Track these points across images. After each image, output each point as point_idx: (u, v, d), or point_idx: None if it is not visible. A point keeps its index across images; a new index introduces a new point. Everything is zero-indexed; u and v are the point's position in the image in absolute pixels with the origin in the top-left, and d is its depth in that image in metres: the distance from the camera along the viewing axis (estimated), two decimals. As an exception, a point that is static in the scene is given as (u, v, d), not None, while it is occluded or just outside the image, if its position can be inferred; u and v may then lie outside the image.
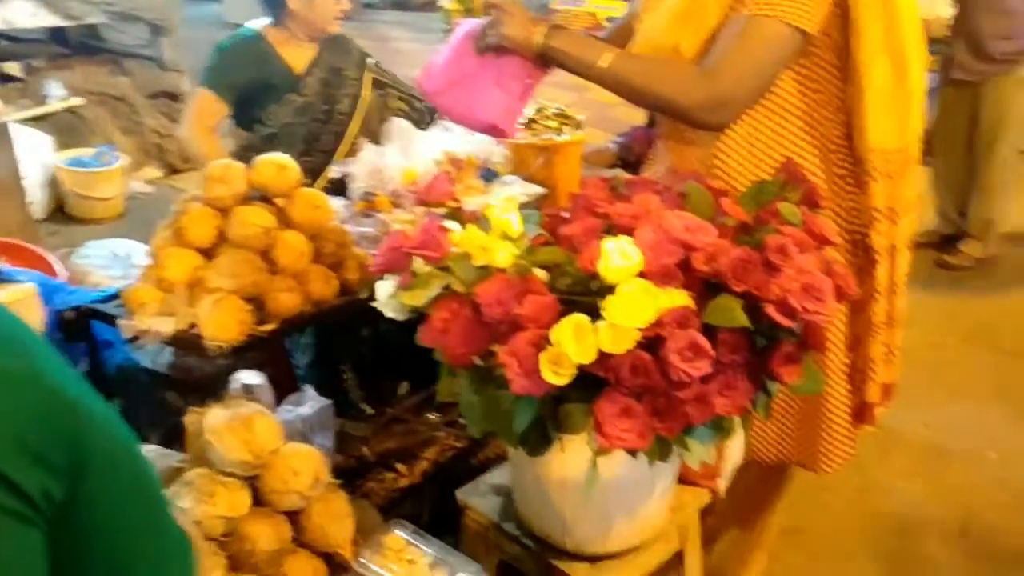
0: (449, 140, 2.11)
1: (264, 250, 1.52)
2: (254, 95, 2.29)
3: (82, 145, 4.31)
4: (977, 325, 3.31)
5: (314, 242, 1.58)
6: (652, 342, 0.96)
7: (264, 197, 1.57)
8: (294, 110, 2.30)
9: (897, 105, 1.32)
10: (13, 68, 4.58)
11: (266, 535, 1.16)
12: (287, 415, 1.32)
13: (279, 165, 1.55)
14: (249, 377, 1.29)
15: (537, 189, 2.01)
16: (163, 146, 4.75)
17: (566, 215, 1.18)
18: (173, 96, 5.07)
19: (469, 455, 1.94)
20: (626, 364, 0.95)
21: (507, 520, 1.37)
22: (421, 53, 7.16)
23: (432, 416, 2.05)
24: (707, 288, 1.01)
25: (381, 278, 1.16)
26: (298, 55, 2.33)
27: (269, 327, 1.49)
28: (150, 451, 1.31)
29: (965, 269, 3.80)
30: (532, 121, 2.30)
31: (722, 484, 1.47)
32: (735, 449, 1.46)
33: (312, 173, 2.25)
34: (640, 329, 0.95)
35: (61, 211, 4.17)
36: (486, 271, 1.06)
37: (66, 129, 4.39)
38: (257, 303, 1.48)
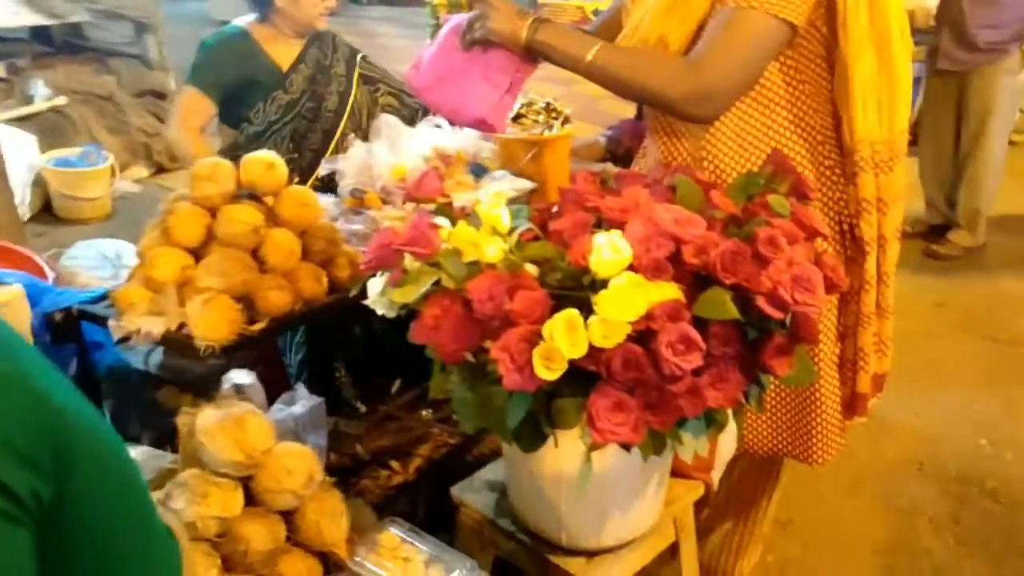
0: (438, 136, 2.11)
1: (253, 249, 1.51)
2: (241, 93, 2.28)
3: (67, 145, 4.28)
4: (967, 314, 3.33)
5: (304, 240, 1.58)
6: (643, 336, 0.96)
7: (252, 195, 1.56)
8: (281, 107, 2.28)
9: (883, 96, 1.32)
10: (-3, 68, 4.55)
11: (260, 535, 1.15)
12: (279, 414, 1.32)
13: (267, 163, 1.54)
14: (240, 377, 1.28)
15: (526, 184, 2.01)
16: (150, 145, 4.72)
17: (556, 210, 1.17)
18: (159, 95, 5.04)
19: (463, 451, 1.94)
20: (618, 358, 0.95)
21: (502, 516, 1.37)
22: (409, 48, 7.14)
23: (425, 413, 2.05)
24: (697, 281, 1.01)
25: (372, 275, 1.15)
26: (284, 52, 2.31)
27: (259, 326, 1.48)
28: (142, 452, 1.31)
29: (954, 258, 3.83)
30: (520, 116, 2.30)
31: (715, 476, 1.48)
32: (728, 441, 1.46)
33: (301, 171, 2.24)
34: (631, 323, 0.95)
35: (48, 212, 4.14)
36: (476, 267, 1.05)
37: (51, 129, 4.36)
38: (247, 302, 1.47)
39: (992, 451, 2.47)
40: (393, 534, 1.29)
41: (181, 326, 1.44)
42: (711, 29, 1.26)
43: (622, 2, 1.48)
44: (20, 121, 4.24)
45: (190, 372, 1.73)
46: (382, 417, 2.05)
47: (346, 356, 2.14)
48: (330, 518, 1.22)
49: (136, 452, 1.29)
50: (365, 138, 2.13)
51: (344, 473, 1.78)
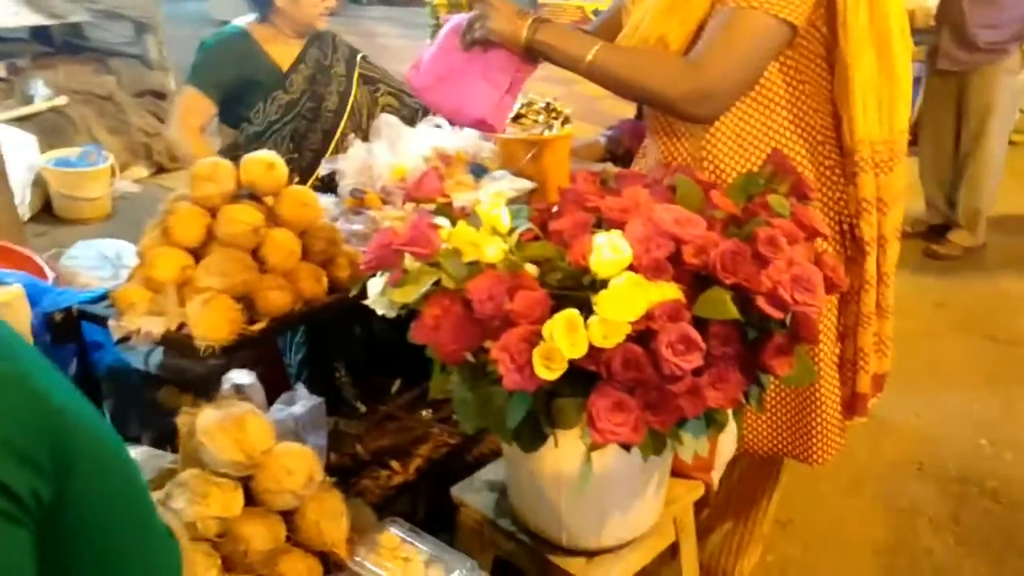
0: (438, 136, 2.11)
1: (253, 249, 1.51)
2: (241, 93, 2.28)
3: (67, 145, 4.28)
4: (967, 314, 3.33)
5: (304, 240, 1.58)
6: (643, 335, 0.96)
7: (252, 195, 1.56)
8: (281, 107, 2.28)
9: (883, 96, 1.32)
10: (-3, 68, 4.55)
11: (260, 535, 1.15)
12: (279, 414, 1.32)
13: (267, 163, 1.54)
14: (240, 377, 1.28)
15: (526, 184, 2.01)
16: (150, 145, 4.73)
17: (556, 210, 1.17)
18: (159, 95, 5.04)
19: (463, 451, 1.94)
20: (618, 358, 0.95)
21: (502, 516, 1.37)
22: (409, 48, 7.14)
23: (425, 413, 2.05)
24: (697, 281, 1.01)
25: (372, 276, 1.15)
26: (284, 52, 2.31)
27: (259, 326, 1.48)
28: (142, 452, 1.31)
29: (954, 258, 3.83)
30: (520, 116, 2.30)
31: (715, 476, 1.48)
32: (728, 441, 1.46)
33: (301, 171, 2.24)
34: (631, 323, 0.95)
35: (48, 212, 4.14)
36: (476, 267, 1.05)
37: (51, 129, 4.36)
38: (247, 302, 1.47)
39: (992, 451, 2.47)
40: (393, 534, 1.29)
41: (181, 326, 1.44)
42: (711, 29, 1.26)
43: (622, 2, 1.48)
44: (20, 121, 4.24)
45: (190, 372, 1.73)
46: (382, 417, 2.05)
47: (346, 356, 2.14)
48: (330, 518, 1.22)
49: (136, 452, 1.29)
50: (365, 138, 2.13)
51: (344, 473, 1.78)
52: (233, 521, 1.14)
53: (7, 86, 4.51)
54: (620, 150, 2.32)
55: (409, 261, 1.09)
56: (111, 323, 1.48)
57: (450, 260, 1.06)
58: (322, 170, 2.08)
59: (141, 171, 4.70)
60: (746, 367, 1.03)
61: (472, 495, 1.42)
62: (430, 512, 1.78)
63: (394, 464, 1.89)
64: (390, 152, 2.01)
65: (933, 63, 3.76)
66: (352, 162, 2.00)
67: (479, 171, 2.07)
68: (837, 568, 2.04)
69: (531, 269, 1.05)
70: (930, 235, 3.97)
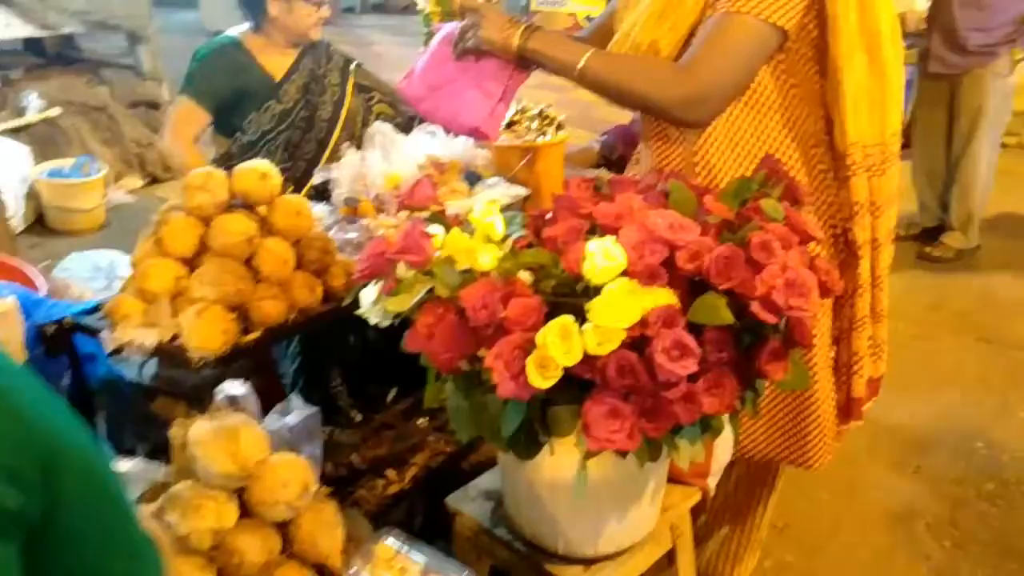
0: (432, 144, 2.11)
1: (247, 258, 1.50)
2: (234, 103, 2.28)
3: (61, 156, 4.27)
4: (961, 316, 3.34)
5: (298, 249, 1.57)
6: (638, 342, 0.96)
7: (246, 205, 1.56)
8: (274, 117, 2.28)
9: (875, 99, 1.32)
10: (-11, 79, 4.54)
11: (255, 547, 1.15)
12: (273, 425, 1.31)
13: (260, 173, 1.54)
14: (234, 388, 1.28)
15: (520, 191, 2.01)
16: (144, 156, 4.71)
17: (550, 216, 1.17)
18: (153, 105, 5.04)
19: (460, 459, 1.93)
20: (612, 365, 0.95)
21: (498, 525, 1.36)
22: (403, 56, 7.15)
23: (421, 421, 2.05)
24: (692, 286, 1.01)
25: (365, 285, 1.15)
26: (278, 62, 2.31)
27: (253, 336, 1.48)
28: (135, 465, 1.30)
29: (947, 261, 3.84)
30: (514, 122, 2.30)
31: (712, 482, 1.47)
32: (724, 447, 1.46)
33: (295, 180, 2.24)
34: (625, 329, 0.95)
35: (41, 223, 4.13)
36: (470, 275, 1.05)
37: (44, 140, 4.34)
38: (241, 312, 1.47)
39: (988, 453, 2.47)
40: (389, 544, 1.29)
41: (175, 337, 1.43)
42: (702, 34, 1.26)
43: (614, 8, 1.48)
44: (13, 133, 4.23)
45: (185, 383, 1.73)
46: (378, 426, 2.04)
47: (341, 365, 2.13)
48: (325, 529, 1.21)
49: (130, 464, 1.28)
50: (359, 146, 2.13)
51: (340, 483, 1.78)
52: (227, 533, 1.13)
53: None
54: (614, 156, 2.32)
55: (402, 269, 1.09)
56: (104, 335, 1.48)
57: (443, 268, 1.06)
58: (316, 179, 2.08)
59: (135, 181, 4.69)
60: (741, 372, 1.03)
61: (468, 504, 1.42)
62: (427, 520, 1.77)
63: (390, 473, 1.88)
64: (384, 160, 2.01)
65: (924, 66, 3.78)
66: (346, 170, 1.99)
67: (473, 178, 2.07)
68: (834, 572, 2.04)
69: (525, 276, 1.05)
70: (923, 238, 3.98)
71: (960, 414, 2.67)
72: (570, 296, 1.00)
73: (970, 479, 2.36)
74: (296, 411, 1.35)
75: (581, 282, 1.00)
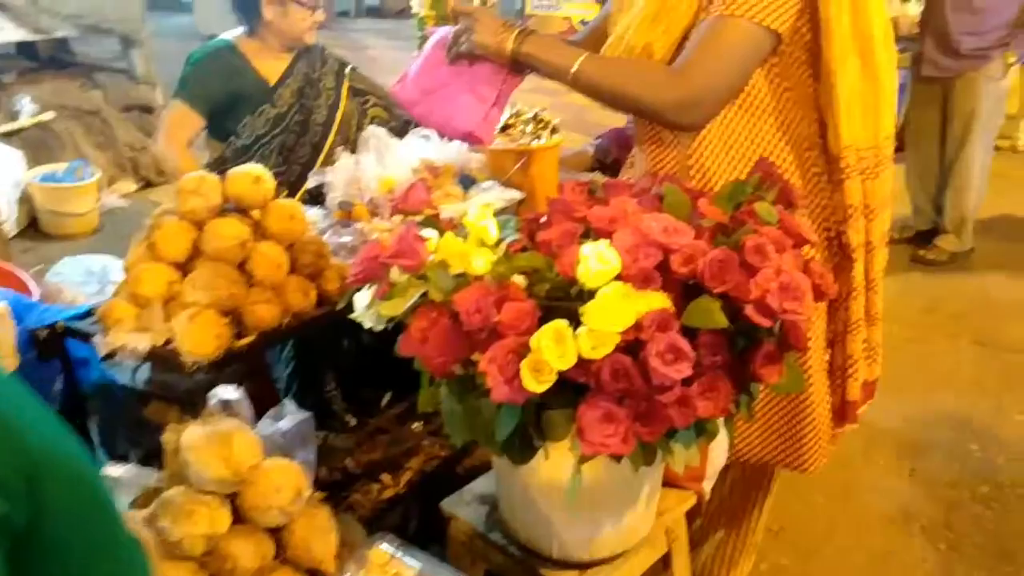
0: (426, 147, 2.11)
1: (240, 262, 1.50)
2: (228, 107, 2.27)
3: (54, 160, 4.26)
4: (956, 319, 3.35)
5: (291, 253, 1.57)
6: (632, 346, 0.95)
7: (239, 209, 1.55)
8: (268, 121, 2.28)
9: (868, 103, 1.32)
10: (-18, 84, 4.52)
11: (248, 552, 1.14)
12: (267, 430, 1.30)
13: (253, 176, 1.54)
14: (227, 393, 1.27)
15: (515, 194, 2.01)
16: (137, 160, 4.70)
17: (544, 220, 1.17)
18: (146, 109, 5.03)
19: (454, 463, 1.93)
20: (607, 369, 0.94)
21: (493, 530, 1.36)
22: (398, 60, 7.15)
23: (416, 425, 2.04)
24: (686, 290, 1.01)
25: (359, 289, 1.15)
26: (272, 66, 2.31)
27: (247, 341, 1.47)
28: (128, 470, 1.29)
29: (942, 263, 3.85)
30: (508, 126, 2.30)
31: (707, 486, 1.47)
32: (719, 450, 1.46)
33: (290, 184, 2.24)
34: (620, 333, 0.94)
35: (34, 228, 4.11)
36: (464, 279, 1.05)
37: (37, 145, 4.33)
38: (235, 316, 1.46)
39: (983, 456, 2.48)
40: (383, 550, 1.28)
41: (168, 342, 1.42)
42: (696, 38, 1.26)
43: (609, 12, 1.48)
44: (6, 137, 4.22)
45: (178, 388, 1.72)
46: (373, 430, 2.04)
47: (336, 369, 2.12)
48: (319, 534, 1.21)
49: (122, 470, 1.28)
50: (353, 150, 2.13)
51: (335, 487, 1.77)
52: (220, 539, 1.12)
53: (-7, 102, 4.49)
54: (608, 159, 2.32)
55: (396, 274, 1.08)
56: (97, 339, 1.47)
57: (437, 272, 1.05)
58: (310, 183, 2.07)
59: (128, 186, 4.67)
60: (736, 376, 1.03)
61: (462, 509, 1.41)
62: (422, 525, 1.77)
63: (385, 478, 1.88)
64: (378, 164, 2.01)
65: (918, 70, 3.80)
66: (340, 174, 1.99)
67: (468, 182, 2.07)
68: (830, 576, 2.04)
69: (519, 280, 1.04)
70: (918, 241, 3.99)
71: (955, 417, 2.68)
72: (564, 300, 1.00)
73: (965, 482, 2.36)
74: (289, 416, 1.34)
75: (575, 286, 1.00)
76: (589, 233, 1.08)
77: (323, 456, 1.72)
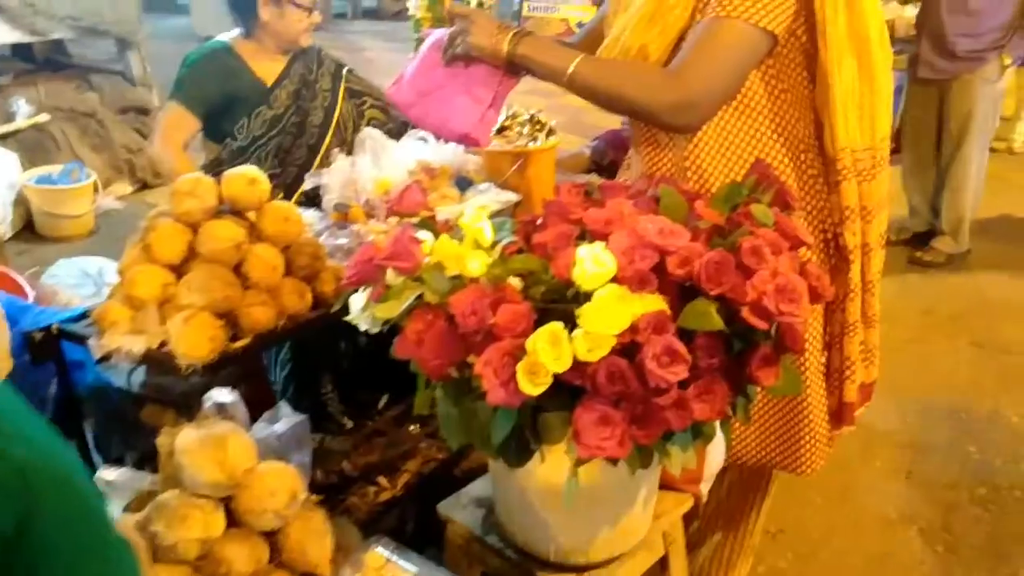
0: (423, 149, 2.10)
1: (236, 265, 1.49)
2: (224, 108, 2.26)
3: (50, 162, 4.25)
4: (953, 320, 3.35)
5: (287, 255, 1.56)
6: (628, 348, 0.95)
7: (234, 211, 1.55)
8: (265, 123, 2.27)
9: (864, 104, 1.32)
10: (-23, 86, 4.51)
11: (242, 557, 1.13)
12: (261, 432, 1.30)
13: (249, 178, 1.53)
14: (222, 395, 1.27)
15: (511, 196, 2.01)
16: (133, 162, 4.69)
17: (540, 222, 1.17)
18: (142, 111, 5.02)
19: (451, 466, 1.92)
20: (603, 371, 0.94)
21: (490, 533, 1.35)
22: (395, 62, 7.15)
23: (413, 428, 2.04)
24: (682, 292, 1.01)
25: (354, 291, 1.14)
26: (269, 67, 2.30)
27: (242, 343, 1.46)
28: (122, 474, 1.28)
29: (939, 265, 3.85)
30: (505, 128, 2.30)
31: (704, 488, 1.47)
32: (716, 453, 1.46)
33: (286, 186, 2.23)
34: (616, 335, 0.94)
35: (30, 230, 4.10)
36: (459, 281, 1.04)
37: (33, 147, 4.32)
38: (230, 319, 1.46)
39: (981, 458, 2.48)
40: (379, 553, 1.28)
41: (163, 344, 1.42)
42: (692, 39, 1.26)
43: (605, 13, 1.48)
44: (1, 139, 4.21)
45: (174, 390, 1.71)
46: (369, 433, 2.03)
47: (332, 372, 2.12)
48: (314, 538, 1.20)
49: (116, 474, 1.27)
50: (350, 152, 2.12)
51: (331, 490, 1.76)
52: (214, 543, 1.12)
53: (-12, 104, 4.47)
54: (605, 161, 2.32)
55: (391, 276, 1.08)
56: (91, 342, 1.46)
57: (433, 274, 1.05)
58: (306, 184, 2.07)
59: (124, 188, 4.67)
60: (732, 378, 1.02)
61: (459, 511, 1.41)
62: (419, 527, 1.76)
63: (382, 480, 1.87)
64: (374, 166, 2.01)
65: (914, 72, 3.80)
66: (336, 176, 1.99)
67: (464, 184, 2.06)
68: (828, 578, 2.03)
69: (515, 282, 1.04)
70: (914, 242, 3.99)
71: (953, 418, 2.67)
72: (560, 302, 1.00)
73: (963, 484, 2.36)
74: (284, 419, 1.34)
75: (571, 288, 0.99)
76: (585, 235, 1.08)
77: (320, 459, 1.72)
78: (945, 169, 3.83)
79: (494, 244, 1.09)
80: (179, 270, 1.49)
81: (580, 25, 6.14)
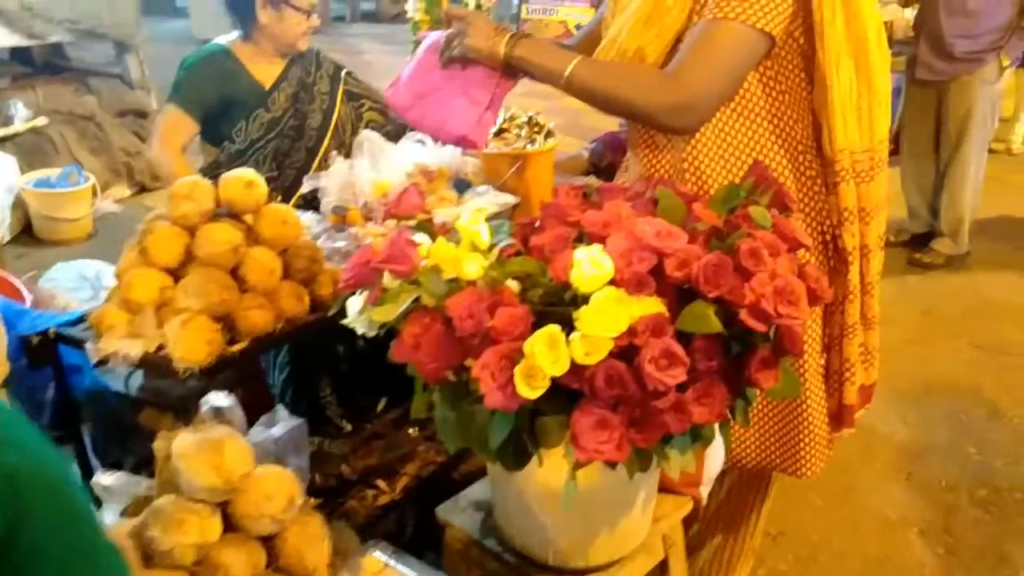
0: (421, 152, 2.10)
1: (233, 268, 1.49)
2: (223, 111, 2.26)
3: (48, 166, 4.25)
4: (952, 322, 3.34)
5: (285, 258, 1.56)
6: (626, 351, 0.95)
7: (231, 214, 1.54)
8: (263, 126, 2.27)
9: (862, 105, 1.32)
10: (-25, 90, 4.51)
11: (239, 562, 1.13)
12: (258, 437, 1.29)
13: (246, 181, 1.53)
14: (219, 399, 1.26)
15: (509, 198, 2.00)
16: (132, 165, 4.69)
17: (537, 224, 1.16)
18: (141, 114, 5.02)
19: (450, 469, 1.92)
20: (601, 374, 0.93)
21: (488, 536, 1.35)
22: (392, 65, 7.15)
23: (411, 431, 2.03)
24: (680, 295, 1.00)
25: (351, 294, 1.14)
26: (267, 71, 2.30)
27: (240, 346, 1.46)
28: (118, 478, 1.28)
29: (938, 267, 3.85)
30: (503, 130, 2.30)
31: (704, 491, 1.46)
32: (716, 456, 1.45)
33: (284, 189, 2.23)
34: (614, 338, 0.94)
35: (28, 233, 4.10)
36: (456, 284, 1.04)
37: (31, 150, 4.32)
38: (227, 322, 1.45)
39: (981, 459, 2.47)
40: (377, 558, 1.27)
41: (160, 348, 1.41)
42: (689, 41, 1.26)
43: (603, 15, 1.48)
44: (0, 142, 4.21)
45: (171, 394, 1.71)
46: (368, 436, 2.03)
47: (330, 375, 2.11)
48: (311, 543, 1.19)
49: (112, 478, 1.26)
50: (348, 155, 2.12)
51: (330, 493, 1.76)
52: (211, 548, 1.11)
53: (-14, 107, 4.47)
54: (603, 163, 2.32)
55: (388, 279, 1.07)
56: (89, 346, 1.46)
57: (429, 277, 1.04)
58: (304, 187, 2.07)
59: (123, 191, 4.66)
60: (731, 381, 1.02)
61: (458, 515, 1.40)
62: (417, 531, 1.76)
63: (380, 483, 1.87)
64: (372, 168, 2.00)
65: (912, 73, 3.81)
66: (334, 179, 1.98)
67: (462, 186, 2.06)
68: (828, 580, 2.03)
69: (512, 285, 1.03)
70: (914, 244, 3.99)
71: (953, 420, 2.67)
72: (557, 305, 0.99)
73: (963, 485, 2.35)
74: (282, 422, 1.33)
75: (569, 291, 0.99)
76: (583, 237, 1.07)
77: (318, 462, 1.72)
78: (944, 170, 3.83)
79: (491, 247, 1.09)
80: (176, 273, 1.48)
81: (579, 27, 6.14)
